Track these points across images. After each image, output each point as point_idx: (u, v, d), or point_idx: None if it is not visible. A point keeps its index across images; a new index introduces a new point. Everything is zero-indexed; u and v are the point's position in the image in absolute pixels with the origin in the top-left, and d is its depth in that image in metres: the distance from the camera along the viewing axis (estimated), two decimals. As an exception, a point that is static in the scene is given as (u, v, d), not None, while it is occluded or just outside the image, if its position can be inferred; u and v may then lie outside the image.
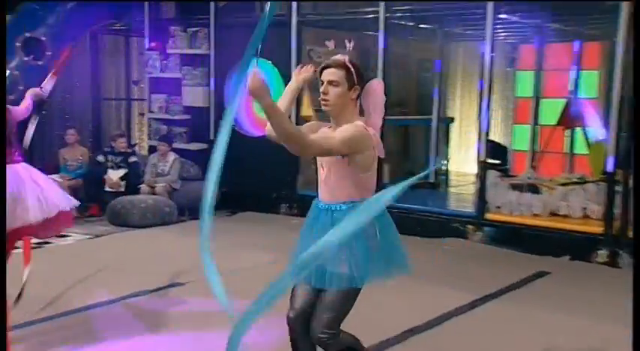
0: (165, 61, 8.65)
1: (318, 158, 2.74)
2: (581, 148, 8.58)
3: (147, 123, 9.22)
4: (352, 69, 2.63)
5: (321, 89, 2.66)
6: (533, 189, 6.60)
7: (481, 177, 6.51)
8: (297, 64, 2.89)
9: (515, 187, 6.68)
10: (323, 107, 2.70)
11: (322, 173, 2.72)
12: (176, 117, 8.54)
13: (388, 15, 7.05)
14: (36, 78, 6.50)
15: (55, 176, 7.64)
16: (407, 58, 9.42)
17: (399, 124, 9.11)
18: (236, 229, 6.93)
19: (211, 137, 8.21)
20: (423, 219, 6.78)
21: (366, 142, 2.57)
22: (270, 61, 3.00)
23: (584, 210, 6.22)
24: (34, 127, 5.24)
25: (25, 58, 7.15)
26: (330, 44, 2.76)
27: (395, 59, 7.93)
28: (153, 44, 8.73)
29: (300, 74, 2.90)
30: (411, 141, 9.79)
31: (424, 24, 8.36)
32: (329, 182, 2.65)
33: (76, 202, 3.63)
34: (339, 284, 2.58)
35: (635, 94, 4.39)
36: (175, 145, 8.12)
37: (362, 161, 2.59)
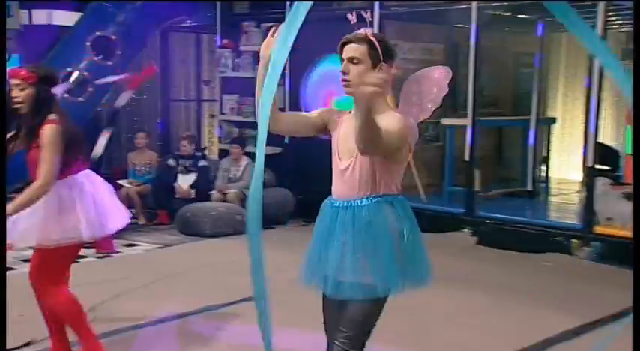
0: (237, 60, 8.80)
1: (338, 148, 2.60)
2: None
3: (217, 125, 9.36)
4: (377, 44, 2.48)
5: (341, 68, 2.52)
6: (651, 199, 6.27)
7: (588, 185, 6.34)
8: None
9: (629, 196, 6.35)
10: (344, 90, 2.54)
11: (340, 165, 2.57)
12: (249, 119, 8.65)
13: (482, 5, 6.96)
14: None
15: (123, 181, 7.89)
16: (502, 52, 9.20)
17: (492, 126, 8.92)
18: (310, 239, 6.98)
19: (286, 141, 8.33)
20: (521, 231, 6.64)
21: (413, 134, 2.51)
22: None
23: None
24: (104, 140, 5.34)
25: (95, 58, 7.45)
26: (352, 18, 2.54)
27: (489, 54, 7.78)
28: (225, 42, 8.89)
29: (267, 48, 2.47)
30: (505, 144, 9.55)
31: (523, 14, 8.19)
32: (353, 175, 2.52)
33: (127, 220, 3.59)
34: (360, 294, 2.46)
35: (635, 94, 4.19)
36: (248, 149, 8.12)
37: (401, 153, 2.50)
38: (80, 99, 6.87)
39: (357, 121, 2.27)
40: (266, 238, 2.67)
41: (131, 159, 8.15)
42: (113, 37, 7.57)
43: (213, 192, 7.73)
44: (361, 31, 2.53)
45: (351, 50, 2.50)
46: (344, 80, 2.52)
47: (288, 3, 8.21)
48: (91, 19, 7.87)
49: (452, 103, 8.26)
